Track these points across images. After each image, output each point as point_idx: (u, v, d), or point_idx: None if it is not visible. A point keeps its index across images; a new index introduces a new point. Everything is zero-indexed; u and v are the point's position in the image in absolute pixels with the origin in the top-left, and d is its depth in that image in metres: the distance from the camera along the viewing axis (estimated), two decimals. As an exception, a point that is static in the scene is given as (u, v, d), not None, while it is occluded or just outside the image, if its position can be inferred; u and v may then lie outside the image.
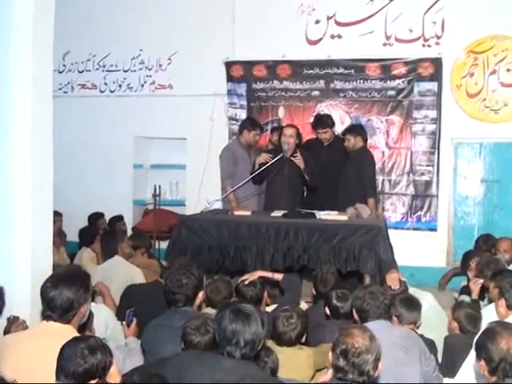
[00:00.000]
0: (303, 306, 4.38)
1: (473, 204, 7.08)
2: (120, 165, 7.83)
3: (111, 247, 4.92)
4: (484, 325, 3.16)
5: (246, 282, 3.97)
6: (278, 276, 4.27)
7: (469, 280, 5.02)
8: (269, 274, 4.29)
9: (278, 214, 5.46)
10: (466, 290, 4.85)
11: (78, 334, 2.65)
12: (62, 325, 2.72)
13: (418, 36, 6.97)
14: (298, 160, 5.78)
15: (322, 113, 7.00)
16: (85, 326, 3.01)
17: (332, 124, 6.38)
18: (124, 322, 3.59)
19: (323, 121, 6.36)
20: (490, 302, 3.99)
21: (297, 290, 4.24)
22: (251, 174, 5.87)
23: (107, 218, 6.75)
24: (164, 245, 6.25)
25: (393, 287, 3.95)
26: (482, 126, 6.83)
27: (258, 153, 6.11)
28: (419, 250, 6.80)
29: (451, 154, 7.05)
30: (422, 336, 3.37)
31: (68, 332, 2.63)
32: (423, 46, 6.96)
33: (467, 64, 6.84)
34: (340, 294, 3.56)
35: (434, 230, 6.97)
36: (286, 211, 5.42)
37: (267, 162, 5.74)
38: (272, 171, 5.84)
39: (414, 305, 3.55)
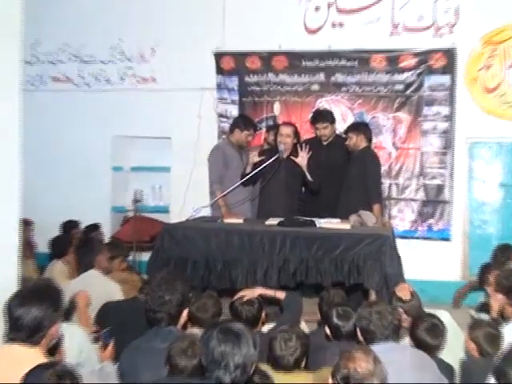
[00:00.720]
0: (303, 326, 4.37)
1: (490, 211, 7.09)
2: (97, 167, 7.81)
3: (87, 260, 4.88)
4: (505, 346, 3.14)
5: (244, 300, 3.95)
6: (281, 294, 4.26)
7: (487, 295, 5.01)
8: (270, 292, 4.27)
9: (273, 221, 5.44)
10: (484, 307, 4.84)
11: (45, 360, 2.61)
12: (27, 348, 2.68)
13: (429, 24, 6.99)
14: (301, 157, 5.75)
15: (321, 108, 7.01)
16: (55, 349, 2.97)
17: (332, 120, 6.39)
18: (99, 344, 3.55)
19: (323, 115, 6.37)
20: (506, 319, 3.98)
21: (298, 309, 4.24)
22: (242, 177, 5.86)
23: (82, 226, 6.72)
24: (145, 257, 6.22)
25: (404, 298, 3.94)
26: (501, 124, 6.85)
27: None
28: (431, 262, 6.81)
29: (466, 154, 7.06)
30: (440, 360, 3.35)
31: (33, 357, 2.59)
32: (435, 35, 6.97)
33: (484, 55, 6.86)
34: (341, 311, 3.54)
35: (447, 239, 6.98)
36: (281, 219, 5.40)
37: (262, 162, 5.73)
38: (267, 174, 5.83)
39: (439, 331, 3.53)
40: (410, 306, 3.89)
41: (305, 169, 5.79)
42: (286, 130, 5.96)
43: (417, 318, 3.55)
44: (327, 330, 3.59)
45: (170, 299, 3.26)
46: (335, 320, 3.54)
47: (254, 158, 5.85)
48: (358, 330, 3.23)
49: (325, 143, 6.37)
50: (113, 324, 3.68)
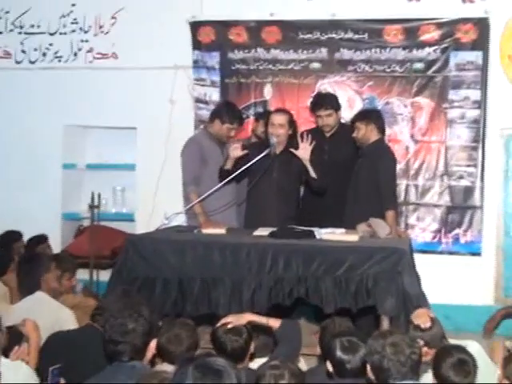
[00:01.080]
0: (301, 362, 4.39)
1: (531, 218, 7.15)
2: (44, 165, 7.83)
3: (32, 279, 4.89)
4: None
5: (229, 327, 3.97)
6: (274, 323, 4.26)
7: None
8: (262, 319, 4.28)
9: (262, 232, 5.47)
10: (522, 337, 4.89)
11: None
12: None
13: (457, -13, 7.05)
14: (303, 149, 5.80)
15: (323, 92, 7.05)
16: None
17: (338, 106, 6.44)
18: (47, 384, 3.57)
19: (326, 100, 6.43)
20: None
21: (296, 342, 4.24)
22: (221, 174, 5.89)
23: (26, 238, 6.71)
24: (105, 276, 6.24)
25: (422, 326, 3.98)
26: (544, 112, 6.92)
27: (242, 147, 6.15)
28: (457, 282, 6.86)
29: (501, 149, 7.13)
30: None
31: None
32: (464, 1, 7.00)
33: (524, 27, 6.91)
34: (346, 343, 3.55)
35: (477, 254, 7.03)
36: (274, 229, 5.43)
37: (247, 157, 5.76)
38: (255, 173, 5.87)
39: (468, 368, 3.55)
40: (431, 335, 3.93)
41: (307, 163, 5.81)
42: (278, 119, 6.00)
43: (442, 351, 3.58)
44: (329, 366, 3.61)
45: (135, 328, 3.25)
46: (339, 353, 3.54)
47: (235, 151, 5.86)
48: (368, 366, 3.26)
49: (328, 135, 6.42)
50: (63, 358, 3.69)
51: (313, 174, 5.83)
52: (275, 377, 3.21)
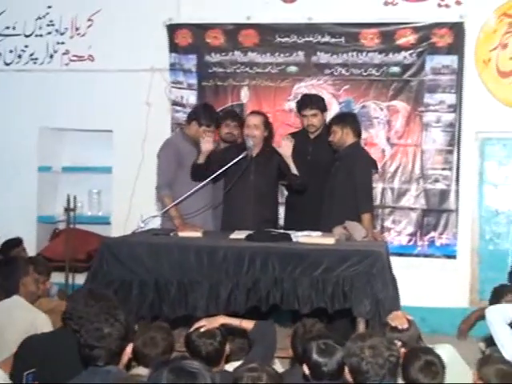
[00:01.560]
0: (277, 364, 4.39)
1: (506, 221, 7.21)
2: (19, 167, 7.77)
3: (10, 283, 4.86)
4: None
5: (202, 330, 3.96)
6: (248, 324, 4.25)
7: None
8: (235, 321, 4.27)
9: (239, 235, 5.48)
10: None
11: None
12: None
13: (432, -8, 7.09)
14: (284, 146, 5.83)
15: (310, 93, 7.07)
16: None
17: (323, 107, 6.50)
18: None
19: (312, 100, 6.47)
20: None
21: (271, 343, 4.23)
22: (193, 169, 5.90)
23: (0, 241, 6.67)
24: (81, 279, 6.20)
25: (400, 327, 3.99)
26: (519, 116, 6.97)
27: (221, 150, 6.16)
28: (433, 285, 6.90)
29: (476, 153, 7.18)
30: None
31: None
32: (439, 5, 7.05)
33: (499, 31, 6.96)
34: (323, 345, 3.56)
35: (452, 256, 7.07)
36: (250, 232, 5.44)
37: (220, 154, 5.78)
38: (232, 176, 5.88)
39: (435, 369, 3.58)
40: (409, 336, 3.95)
41: (289, 160, 5.83)
42: (253, 120, 6.04)
43: (409, 354, 3.60)
44: (305, 369, 3.62)
45: (110, 332, 3.23)
46: (315, 356, 3.53)
47: (207, 145, 5.88)
48: (346, 368, 3.26)
49: (312, 136, 6.45)
50: (38, 363, 3.66)
51: (294, 170, 5.86)
52: (253, 379, 3.21)
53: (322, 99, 6.62)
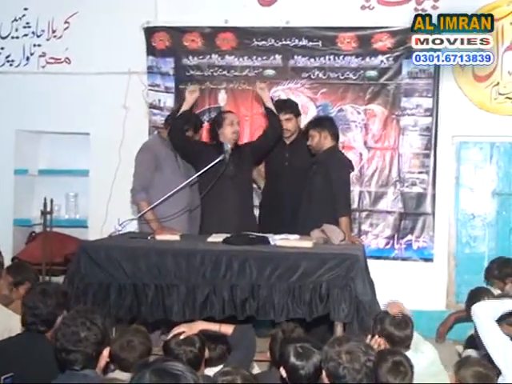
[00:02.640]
0: (256, 370, 4.40)
1: (482, 225, 7.27)
2: (-5, 170, 7.71)
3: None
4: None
5: (181, 338, 3.95)
6: (227, 328, 4.24)
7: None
8: (214, 327, 4.26)
9: (217, 238, 5.47)
10: (473, 342, 4.94)
11: None
12: None
13: (409, -4, 7.13)
14: (260, 88, 6.24)
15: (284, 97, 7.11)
16: None
17: (297, 112, 6.53)
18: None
19: (286, 104, 6.51)
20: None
21: (250, 347, 4.21)
22: (175, 122, 6.04)
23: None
24: (58, 282, 6.17)
25: (400, 314, 4.12)
26: (495, 120, 7.03)
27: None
28: (410, 288, 6.88)
29: (452, 157, 7.24)
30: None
31: None
32: (416, 9, 7.07)
33: (474, 36, 7.01)
34: (300, 349, 3.56)
35: (429, 259, 7.11)
36: (228, 235, 5.44)
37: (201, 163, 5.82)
38: (210, 178, 5.89)
39: (403, 369, 3.62)
40: (406, 335, 4.21)
41: (267, 99, 6.22)
42: (235, 118, 6.27)
43: (377, 357, 3.63)
44: (283, 372, 3.62)
45: (87, 336, 3.23)
46: (292, 359, 3.54)
47: (194, 94, 6.17)
48: (323, 372, 3.27)
49: (287, 142, 6.47)
50: (14, 366, 3.63)
51: (270, 105, 6.20)
52: (228, 382, 3.22)
53: (296, 104, 6.65)
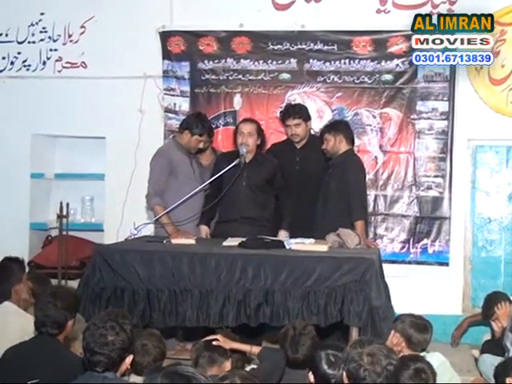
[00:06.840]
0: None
1: (498, 229, 7.25)
2: (11, 174, 7.78)
3: (2, 289, 4.86)
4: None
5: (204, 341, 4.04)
6: (255, 350, 4.35)
7: (494, 333, 5.12)
8: (245, 348, 4.38)
9: (232, 242, 5.50)
10: (490, 346, 4.93)
11: None
12: None
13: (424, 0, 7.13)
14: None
15: (293, 102, 7.09)
16: None
17: (307, 117, 6.49)
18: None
19: (295, 109, 6.48)
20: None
21: (277, 364, 4.26)
22: None
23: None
24: (73, 286, 6.20)
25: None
26: (511, 123, 7.01)
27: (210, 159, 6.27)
28: (425, 292, 6.92)
29: (468, 160, 7.24)
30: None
31: None
32: (431, 13, 6.99)
33: (491, 39, 7.00)
34: (332, 358, 3.53)
35: (445, 264, 7.09)
36: (243, 239, 5.46)
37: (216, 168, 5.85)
38: (226, 184, 5.93)
39: (425, 376, 3.63)
40: (425, 338, 4.38)
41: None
42: (247, 128, 6.09)
43: (398, 364, 3.64)
44: (311, 377, 3.63)
45: (114, 341, 3.23)
46: (324, 367, 3.52)
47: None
48: (344, 373, 3.26)
49: (298, 146, 6.47)
50: (25, 371, 3.65)
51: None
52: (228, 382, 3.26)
53: (306, 108, 6.63)
